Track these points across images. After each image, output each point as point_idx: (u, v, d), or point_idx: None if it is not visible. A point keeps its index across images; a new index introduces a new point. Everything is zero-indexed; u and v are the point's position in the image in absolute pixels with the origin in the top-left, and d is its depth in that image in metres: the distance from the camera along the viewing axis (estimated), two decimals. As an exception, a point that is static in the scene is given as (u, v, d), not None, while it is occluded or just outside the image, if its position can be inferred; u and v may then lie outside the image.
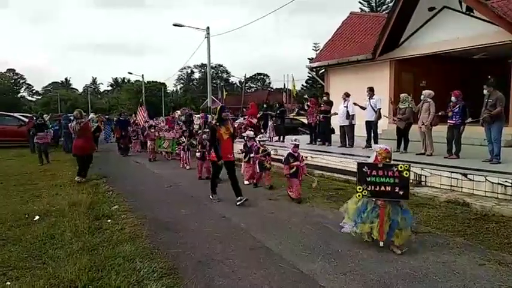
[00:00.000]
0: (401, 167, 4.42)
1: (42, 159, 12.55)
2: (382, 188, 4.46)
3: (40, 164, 12.31)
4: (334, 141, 12.21)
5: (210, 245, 4.84)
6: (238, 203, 6.68)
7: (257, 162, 8.47)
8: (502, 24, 10.53)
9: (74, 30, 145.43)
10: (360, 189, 4.56)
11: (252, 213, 6.33)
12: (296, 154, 7.29)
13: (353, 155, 9.77)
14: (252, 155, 8.75)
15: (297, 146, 7.33)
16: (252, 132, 9.62)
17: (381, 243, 4.46)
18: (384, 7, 45.76)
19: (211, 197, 7.19)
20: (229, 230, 5.44)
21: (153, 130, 14.62)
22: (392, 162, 4.75)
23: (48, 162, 12.56)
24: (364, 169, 4.57)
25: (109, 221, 5.89)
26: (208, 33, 21.69)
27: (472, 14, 11.60)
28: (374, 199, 4.56)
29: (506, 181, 6.48)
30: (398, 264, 4.12)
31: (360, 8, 46.27)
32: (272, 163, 8.87)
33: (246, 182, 8.75)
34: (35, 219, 6.01)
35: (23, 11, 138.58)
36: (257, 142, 8.86)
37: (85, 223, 5.63)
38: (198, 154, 9.90)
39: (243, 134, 9.61)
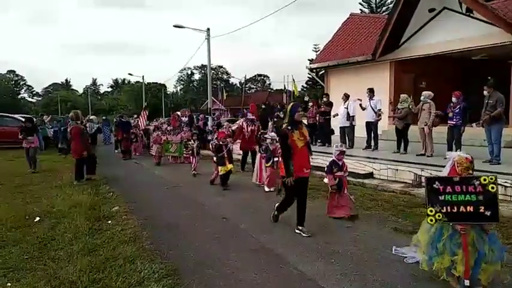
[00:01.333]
0: (485, 180, 3.47)
1: (31, 164, 11.38)
2: (462, 209, 3.47)
3: (31, 170, 11.23)
4: (334, 142, 12.20)
5: (211, 246, 4.85)
6: (297, 231, 5.27)
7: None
8: (502, 25, 10.55)
9: (74, 31, 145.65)
10: (431, 211, 3.53)
11: (252, 214, 6.33)
12: (340, 162, 6.18)
13: (353, 156, 9.79)
14: (276, 160, 7.69)
15: (342, 153, 6.23)
16: (274, 134, 8.43)
17: (466, 282, 3.41)
18: (384, 8, 45.77)
19: (273, 215, 5.74)
20: (230, 231, 5.44)
21: (159, 133, 13.96)
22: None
23: (34, 169, 11.30)
24: (435, 185, 3.55)
25: (109, 222, 5.89)
26: (208, 35, 21.69)
27: (471, 15, 11.61)
28: (451, 223, 3.55)
29: (506, 182, 6.49)
30: (399, 265, 4.12)
31: (360, 9, 46.29)
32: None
33: (267, 189, 8.11)
34: (35, 220, 6.01)
35: (23, 11, 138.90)
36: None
37: (85, 224, 5.64)
38: (215, 158, 8.75)
39: (266, 136, 8.56)
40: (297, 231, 5.27)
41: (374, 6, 47.49)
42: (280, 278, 3.88)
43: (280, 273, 3.99)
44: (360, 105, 10.96)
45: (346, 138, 11.48)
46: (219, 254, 4.54)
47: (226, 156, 8.44)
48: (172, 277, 3.89)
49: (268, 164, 8.10)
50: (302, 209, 5.31)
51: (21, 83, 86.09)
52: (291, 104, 5.47)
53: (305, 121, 15.84)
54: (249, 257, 4.48)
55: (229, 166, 8.45)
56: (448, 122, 8.65)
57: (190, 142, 11.15)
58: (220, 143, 8.65)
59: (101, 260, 4.29)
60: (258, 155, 8.95)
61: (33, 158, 11.49)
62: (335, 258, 4.37)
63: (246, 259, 4.40)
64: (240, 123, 10.83)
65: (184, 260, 4.38)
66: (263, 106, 16.71)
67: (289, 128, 5.13)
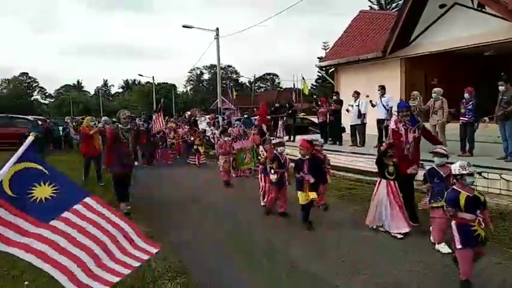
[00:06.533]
0: None
1: None
2: None
3: None
4: (344, 140, 12.17)
5: (223, 246, 4.88)
6: None
7: (455, 224, 3.60)
8: (515, 19, 10.35)
9: (86, 33, 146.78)
10: None
11: (264, 215, 6.33)
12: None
13: (364, 154, 9.73)
14: (441, 202, 4.24)
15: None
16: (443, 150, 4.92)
17: None
18: (394, 5, 45.31)
19: None
20: (242, 232, 5.48)
21: (226, 139, 9.77)
22: None
23: None
24: None
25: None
26: (217, 34, 21.76)
27: (483, 10, 11.43)
28: None
29: (521, 179, 6.39)
30: (410, 264, 4.10)
31: (370, 6, 45.93)
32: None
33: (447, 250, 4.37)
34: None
35: (34, 15, 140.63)
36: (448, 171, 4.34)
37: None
38: (272, 176, 6.17)
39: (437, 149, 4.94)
40: None
41: (383, 2, 47.08)
42: (291, 278, 3.90)
43: (291, 273, 4.01)
44: (371, 101, 10.88)
45: (357, 136, 11.42)
46: (231, 254, 4.58)
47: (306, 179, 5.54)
48: (185, 276, 3.94)
49: (438, 204, 4.52)
50: None
51: (34, 85, 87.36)
52: None
53: (315, 119, 15.83)
54: (261, 257, 4.50)
55: (311, 195, 5.53)
56: (461, 118, 8.52)
57: (261, 151, 7.60)
58: (300, 156, 5.84)
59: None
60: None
61: None
62: (345, 257, 4.37)
63: (257, 259, 4.43)
64: (393, 126, 5.78)
65: (197, 259, 4.42)
66: (272, 108, 16.31)
67: None
